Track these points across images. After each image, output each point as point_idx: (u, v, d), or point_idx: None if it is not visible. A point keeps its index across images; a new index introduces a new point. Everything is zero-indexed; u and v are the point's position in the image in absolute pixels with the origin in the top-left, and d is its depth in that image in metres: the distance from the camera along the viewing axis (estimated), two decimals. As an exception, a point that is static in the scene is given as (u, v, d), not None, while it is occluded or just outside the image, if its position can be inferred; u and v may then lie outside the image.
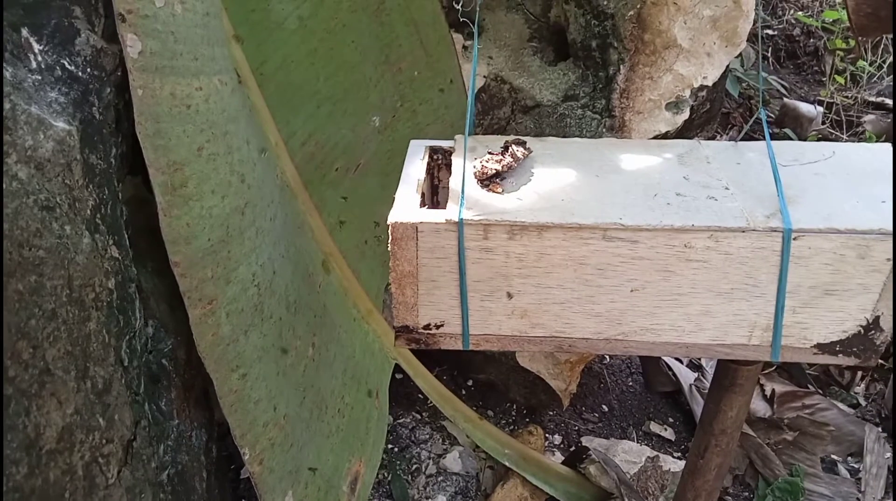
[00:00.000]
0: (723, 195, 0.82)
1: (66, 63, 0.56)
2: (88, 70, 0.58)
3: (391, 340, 1.39)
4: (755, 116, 0.81)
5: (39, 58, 0.53)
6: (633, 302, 0.82)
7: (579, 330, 0.85)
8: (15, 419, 0.46)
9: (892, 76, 2.80)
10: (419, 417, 1.71)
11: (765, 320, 0.81)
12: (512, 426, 1.74)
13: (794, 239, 0.76)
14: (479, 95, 1.50)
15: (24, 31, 0.53)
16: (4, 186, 0.47)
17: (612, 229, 0.78)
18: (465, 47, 1.51)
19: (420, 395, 1.72)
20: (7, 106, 0.48)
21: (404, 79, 1.36)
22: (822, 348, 0.83)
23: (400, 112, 1.38)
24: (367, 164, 1.34)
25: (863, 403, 1.77)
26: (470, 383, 1.83)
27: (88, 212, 0.56)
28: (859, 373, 1.81)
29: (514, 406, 1.78)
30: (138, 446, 0.61)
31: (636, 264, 0.79)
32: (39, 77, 0.53)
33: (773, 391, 1.69)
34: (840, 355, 0.83)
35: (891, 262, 0.76)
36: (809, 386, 1.78)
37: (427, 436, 1.66)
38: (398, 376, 1.65)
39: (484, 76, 1.50)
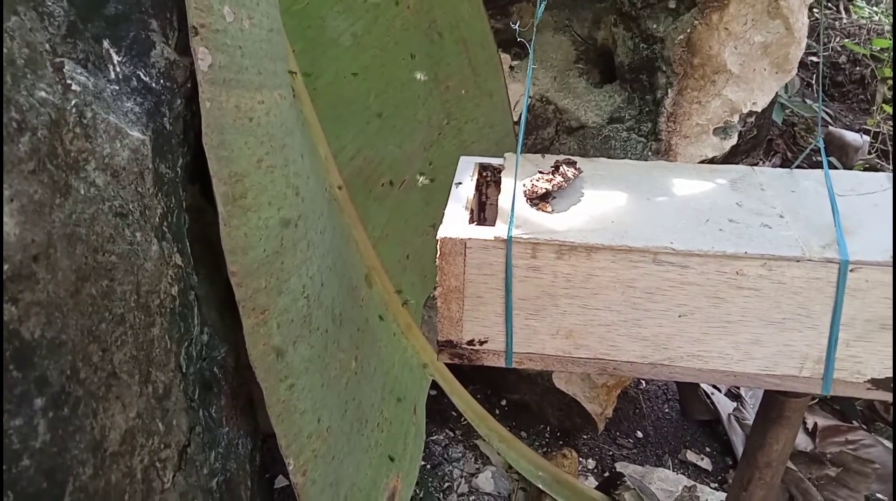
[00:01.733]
0: (777, 223, 0.81)
1: (141, 74, 0.58)
2: (162, 81, 0.60)
3: (429, 355, 1.39)
4: (812, 145, 0.80)
5: (118, 69, 0.55)
6: (680, 327, 0.81)
7: (624, 353, 0.84)
8: (83, 421, 0.48)
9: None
10: (452, 434, 1.70)
11: (817, 352, 0.80)
12: (545, 448, 1.73)
13: (851, 271, 0.74)
14: (524, 114, 1.51)
15: (106, 43, 0.55)
16: (83, 192, 0.49)
17: (662, 253, 0.77)
18: (511, 67, 1.52)
19: (454, 412, 1.71)
20: (88, 114, 0.50)
21: (451, 97, 1.37)
22: (876, 383, 0.81)
23: (446, 129, 1.40)
24: (413, 180, 1.36)
25: (908, 441, 1.72)
26: (504, 402, 1.82)
27: (157, 219, 0.58)
28: (892, 407, 1.76)
29: (548, 428, 1.77)
30: (192, 452, 0.62)
31: (685, 289, 0.79)
32: (117, 87, 0.55)
33: (816, 424, 1.65)
34: (895, 391, 0.81)
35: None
36: (854, 421, 1.73)
37: (460, 454, 1.65)
38: (432, 392, 1.65)
39: (529, 96, 1.51)
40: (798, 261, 0.75)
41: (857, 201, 0.85)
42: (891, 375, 0.80)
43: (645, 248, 0.77)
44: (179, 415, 0.59)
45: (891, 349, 0.79)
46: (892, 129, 2.69)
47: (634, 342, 0.83)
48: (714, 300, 0.78)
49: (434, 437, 1.69)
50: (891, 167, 2.51)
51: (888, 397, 0.82)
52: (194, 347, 0.66)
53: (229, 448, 0.73)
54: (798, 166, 0.96)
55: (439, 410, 1.72)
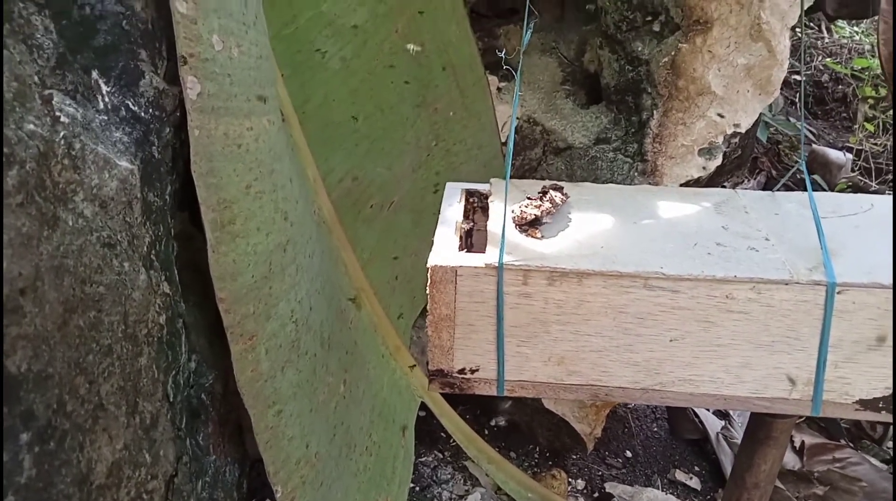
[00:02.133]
0: (763, 246, 0.82)
1: (130, 104, 0.57)
2: (150, 111, 0.60)
3: (418, 378, 1.38)
4: (795, 167, 0.81)
5: (107, 99, 0.55)
6: (671, 352, 0.81)
7: (616, 379, 0.84)
8: (70, 454, 0.47)
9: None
10: (441, 456, 1.69)
11: (806, 374, 0.80)
12: (534, 469, 1.72)
13: (839, 293, 0.75)
14: (511, 136, 1.52)
15: (94, 74, 0.55)
16: (71, 223, 0.48)
17: (653, 278, 0.78)
18: (499, 89, 1.53)
19: (443, 434, 1.70)
20: (77, 145, 0.50)
21: (440, 119, 1.38)
22: (865, 404, 0.81)
23: (434, 151, 1.40)
24: (401, 201, 1.36)
25: (896, 458, 1.73)
26: (493, 423, 1.81)
27: (145, 249, 0.57)
28: (892, 428, 1.77)
29: (538, 449, 1.76)
30: (179, 482, 0.61)
31: (676, 313, 0.79)
32: (106, 117, 0.55)
33: (803, 442, 1.66)
34: (883, 411, 0.81)
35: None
36: (841, 439, 1.74)
37: (449, 476, 1.64)
38: (421, 413, 1.64)
39: (517, 118, 1.52)
40: (786, 284, 0.76)
41: (839, 223, 0.86)
42: (878, 395, 0.81)
43: (636, 273, 0.77)
44: (166, 445, 0.59)
45: (878, 370, 0.79)
46: (874, 146, 2.72)
47: (626, 367, 0.83)
48: (704, 324, 0.79)
49: (423, 458, 1.68)
50: (873, 185, 2.55)
51: (876, 417, 0.82)
52: (182, 375, 0.66)
53: (216, 476, 0.72)
54: (784, 186, 0.97)
55: (428, 431, 1.71)
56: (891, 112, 2.79)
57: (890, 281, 0.75)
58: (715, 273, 0.76)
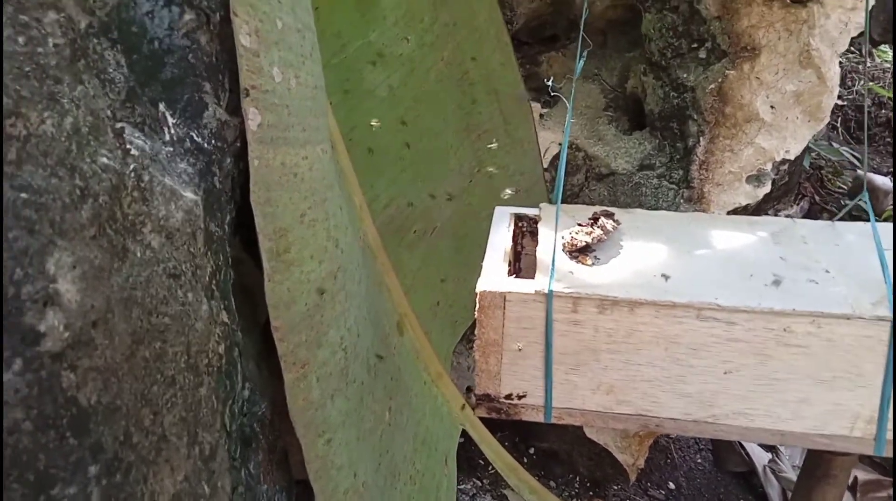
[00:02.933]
0: (824, 279, 0.79)
1: (194, 135, 0.58)
2: (213, 142, 0.61)
3: (459, 404, 1.37)
4: (857, 199, 0.79)
5: (173, 131, 0.56)
6: (726, 385, 0.79)
7: (667, 410, 0.83)
8: (134, 486, 0.47)
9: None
10: (480, 484, 1.67)
11: (868, 411, 0.78)
12: (574, 499, 1.69)
13: (904, 329, 0.73)
14: (553, 162, 1.51)
15: (161, 106, 0.56)
16: (139, 255, 0.49)
17: (707, 309, 0.76)
18: (541, 115, 1.53)
19: (481, 461, 1.68)
20: (146, 177, 0.51)
21: (483, 145, 1.38)
22: (932, 443, 0.78)
23: (476, 177, 1.40)
24: (443, 227, 1.36)
25: (953, 496, 1.66)
26: (532, 450, 1.78)
27: (207, 278, 0.58)
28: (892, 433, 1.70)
29: (578, 478, 1.73)
30: (234, 512, 0.61)
31: (731, 345, 0.77)
32: (172, 149, 0.56)
33: (856, 478, 1.60)
34: (950, 451, 0.78)
35: None
36: None
37: (488, 504, 1.62)
38: (459, 440, 1.62)
39: (559, 143, 1.52)
40: (848, 319, 0.73)
41: (901, 256, 0.84)
42: (947, 436, 0.78)
43: (689, 303, 0.76)
44: (224, 476, 0.59)
45: (946, 410, 0.76)
46: (921, 172, 2.66)
47: (678, 398, 0.81)
48: (761, 358, 0.77)
49: (462, 486, 1.66)
50: (922, 211, 2.47)
51: (944, 459, 0.79)
52: (237, 403, 0.66)
53: (267, 505, 0.72)
54: (831, 214, 0.94)
55: (467, 457, 1.70)
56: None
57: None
58: (773, 306, 0.74)
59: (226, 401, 0.61)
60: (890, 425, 0.78)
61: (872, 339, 0.74)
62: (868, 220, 0.85)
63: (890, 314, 0.73)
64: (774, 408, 0.80)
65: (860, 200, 0.78)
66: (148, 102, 0.55)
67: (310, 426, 0.77)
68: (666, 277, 0.80)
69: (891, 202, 2.40)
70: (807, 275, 0.80)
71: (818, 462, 0.94)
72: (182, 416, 0.52)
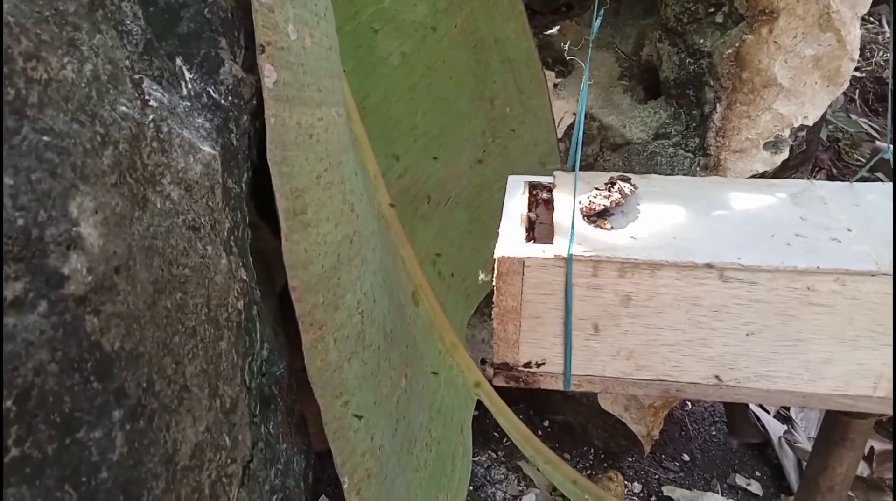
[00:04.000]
0: (846, 237, 0.78)
1: (211, 91, 0.58)
2: (230, 98, 0.60)
3: (474, 375, 1.37)
4: (879, 155, 0.78)
5: (190, 85, 0.56)
6: (748, 347, 0.79)
7: (689, 374, 0.82)
8: (157, 434, 0.47)
9: None
10: (495, 456, 1.68)
11: (892, 370, 0.77)
12: (589, 471, 1.69)
13: (930, 286, 0.72)
14: (568, 132, 1.50)
15: (179, 61, 0.55)
16: (160, 205, 0.49)
17: (729, 270, 0.75)
18: (555, 85, 1.51)
19: (496, 433, 1.69)
20: (165, 129, 0.51)
21: (497, 115, 1.37)
22: (956, 403, 0.77)
23: (491, 147, 1.39)
24: (458, 197, 1.35)
25: (971, 467, 1.65)
26: (546, 423, 1.79)
27: (225, 234, 0.58)
28: (893, 418, 1.69)
29: (592, 450, 1.73)
30: (255, 467, 0.61)
31: (754, 306, 0.76)
32: (189, 103, 0.55)
33: (872, 448, 1.59)
34: (975, 411, 0.77)
35: None
36: (911, 445, 1.67)
37: (502, 476, 1.63)
38: (474, 412, 1.63)
39: (573, 113, 1.50)
40: (873, 275, 0.72)
41: (926, 215, 0.82)
42: (971, 396, 0.77)
43: (712, 264, 0.75)
44: (244, 430, 0.59)
45: (971, 369, 0.75)
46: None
47: (699, 362, 0.81)
48: (784, 318, 0.76)
49: (476, 458, 1.67)
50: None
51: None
52: (255, 362, 0.66)
53: (287, 464, 0.73)
54: (859, 179, 0.93)
55: (481, 430, 1.70)
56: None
57: None
58: (796, 264, 0.74)
59: (245, 357, 0.61)
60: (913, 384, 0.77)
61: (897, 296, 0.73)
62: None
63: (915, 271, 0.72)
64: (797, 370, 0.79)
65: (883, 154, 0.77)
66: (165, 56, 0.54)
67: (327, 387, 0.77)
68: (685, 239, 0.79)
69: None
70: (829, 234, 0.79)
71: (835, 427, 0.94)
72: (203, 368, 0.52)
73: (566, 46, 0.87)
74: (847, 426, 0.94)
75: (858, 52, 1.35)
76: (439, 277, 1.35)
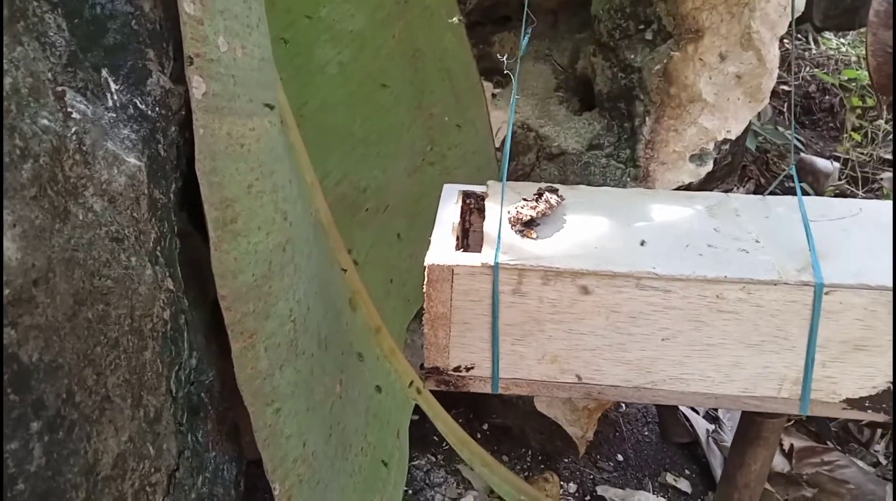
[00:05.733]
0: (754, 248, 0.83)
1: (137, 102, 0.59)
2: (157, 109, 0.61)
3: (413, 379, 1.39)
4: (785, 172, 0.83)
5: (115, 97, 0.56)
6: (663, 351, 0.83)
7: (609, 377, 0.86)
8: (77, 444, 0.48)
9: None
10: (434, 459, 1.70)
11: (795, 373, 0.82)
12: (527, 473, 1.73)
13: (826, 294, 0.77)
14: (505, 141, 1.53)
15: (104, 72, 0.56)
16: (82, 217, 0.49)
17: (645, 278, 0.79)
18: (493, 95, 1.55)
19: (435, 437, 1.71)
20: (88, 141, 0.51)
21: (435, 124, 1.40)
22: (852, 403, 0.83)
23: (429, 156, 1.42)
24: (397, 205, 1.37)
25: (883, 462, 1.75)
26: (485, 426, 1.82)
27: (151, 244, 0.58)
28: (879, 431, 1.79)
29: (530, 452, 1.77)
30: (181, 476, 0.62)
31: (668, 313, 0.81)
32: (115, 115, 0.56)
33: (792, 445, 1.68)
34: (869, 410, 0.83)
35: (922, 319, 0.77)
36: (829, 442, 1.76)
37: (442, 479, 1.65)
38: (414, 417, 1.65)
39: (512, 124, 1.54)
40: (775, 284, 0.77)
41: (828, 226, 0.88)
42: (864, 395, 0.83)
43: (628, 273, 0.79)
44: (169, 439, 0.60)
45: (864, 370, 0.81)
46: (860, 156, 2.76)
47: (619, 366, 0.84)
48: (696, 324, 0.81)
49: (416, 462, 1.69)
50: (860, 194, 2.58)
51: (863, 416, 0.84)
52: (183, 371, 0.67)
53: (216, 472, 0.73)
54: (771, 192, 0.99)
55: (421, 434, 1.72)
56: (878, 122, 2.83)
57: (877, 282, 0.77)
58: (706, 273, 0.78)
59: (171, 366, 0.61)
60: (813, 385, 0.82)
61: (797, 303, 0.78)
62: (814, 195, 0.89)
63: (813, 280, 0.77)
64: (709, 372, 0.84)
65: (787, 174, 0.82)
66: (90, 67, 0.55)
67: (257, 395, 0.78)
68: (606, 248, 0.83)
69: (830, 184, 2.49)
70: (738, 245, 0.84)
71: (750, 425, 0.99)
72: (126, 378, 0.53)
73: (503, 59, 0.90)
74: (761, 425, 0.99)
75: (777, 70, 1.42)
76: (377, 283, 1.37)
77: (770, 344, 0.81)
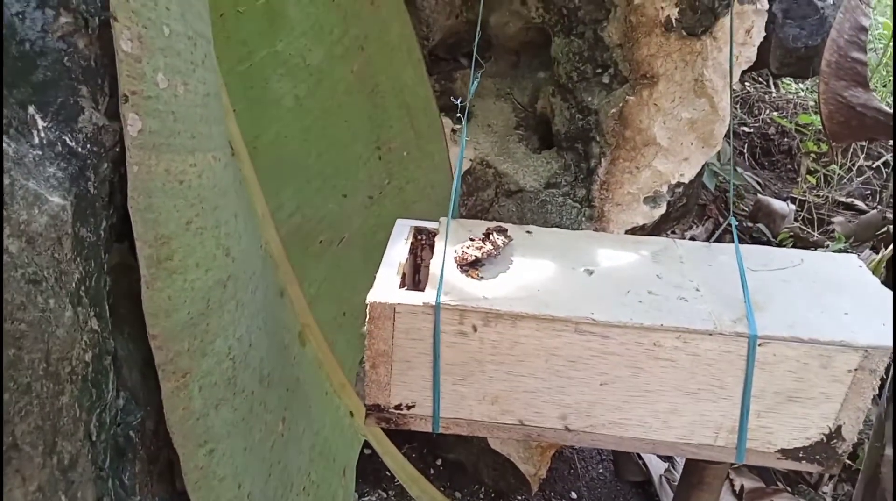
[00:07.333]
0: (693, 296, 0.85)
1: (67, 139, 0.58)
2: (88, 146, 0.60)
3: (363, 415, 1.38)
4: (727, 221, 0.85)
5: (42, 134, 0.55)
6: (602, 396, 0.83)
7: (548, 420, 0.86)
8: (-23, 495, 0.46)
9: (860, 178, 2.92)
10: (385, 495, 1.68)
11: (730, 422, 0.83)
12: (479, 509, 1.71)
13: (760, 345, 0.78)
14: (464, 177, 1.54)
15: (31, 109, 0.55)
16: (-6, 259, 0.48)
17: (583, 323, 0.80)
18: (453, 130, 1.56)
19: (387, 472, 1.69)
20: (6, 181, 0.50)
21: (394, 158, 1.40)
22: (786, 453, 0.84)
23: (387, 189, 1.42)
24: (352, 238, 1.37)
25: (830, 503, 1.77)
26: (439, 462, 1.80)
27: (73, 285, 0.57)
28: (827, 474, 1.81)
29: (483, 489, 1.76)
30: (98, 523, 0.60)
31: (606, 358, 0.81)
32: (40, 152, 0.55)
33: (742, 486, 1.69)
34: (803, 461, 0.84)
35: (852, 374, 0.78)
36: (779, 483, 1.77)
37: (392, 515, 1.63)
38: (366, 451, 1.63)
39: (470, 160, 1.55)
40: (710, 334, 0.78)
41: (768, 277, 0.90)
42: (798, 445, 0.84)
43: (567, 318, 0.79)
44: (86, 486, 0.58)
45: (798, 421, 0.82)
46: (816, 198, 2.84)
47: (558, 408, 0.85)
48: (633, 370, 0.81)
49: (367, 497, 1.66)
50: (815, 235, 2.64)
51: (798, 466, 0.85)
52: (108, 413, 0.65)
53: (141, 517, 0.71)
54: (719, 237, 1.00)
55: (373, 469, 1.70)
56: (832, 166, 2.91)
57: (809, 336, 0.78)
58: (643, 321, 0.79)
59: (91, 410, 0.60)
60: (749, 435, 0.83)
61: (732, 354, 0.79)
62: (769, 243, 0.90)
63: (748, 331, 0.78)
64: (646, 418, 0.84)
65: (728, 223, 0.83)
66: (16, 104, 0.54)
67: (189, 436, 0.77)
68: (548, 292, 0.83)
69: (786, 226, 2.55)
70: (678, 293, 0.85)
71: (693, 471, 0.99)
72: (38, 424, 0.51)
73: (457, 102, 0.91)
74: (704, 470, 1.00)
75: (730, 117, 1.46)
76: (330, 316, 1.35)
77: (706, 393, 0.81)
